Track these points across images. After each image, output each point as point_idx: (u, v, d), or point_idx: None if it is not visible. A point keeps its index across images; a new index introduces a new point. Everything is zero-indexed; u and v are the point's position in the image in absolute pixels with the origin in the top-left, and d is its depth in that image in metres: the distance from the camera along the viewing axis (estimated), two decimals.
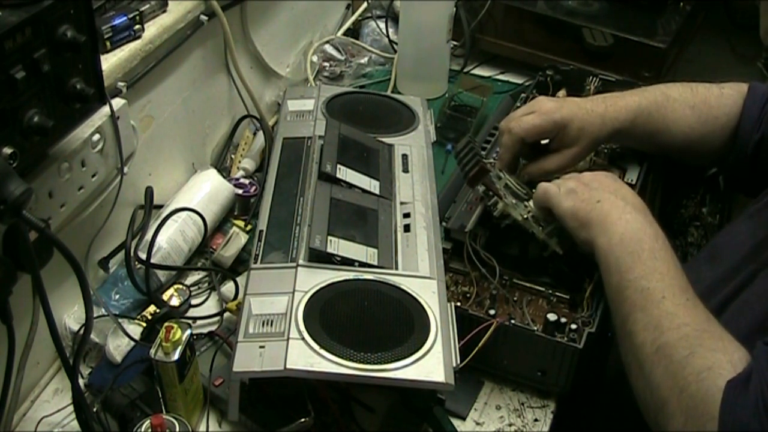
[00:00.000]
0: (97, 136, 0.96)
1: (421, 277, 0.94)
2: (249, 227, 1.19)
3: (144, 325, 1.03)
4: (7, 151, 0.74)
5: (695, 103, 1.13)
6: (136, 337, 1.01)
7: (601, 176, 0.99)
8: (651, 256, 0.87)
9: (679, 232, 1.65)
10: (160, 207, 1.15)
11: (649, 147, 1.19)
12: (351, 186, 1.05)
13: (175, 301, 1.08)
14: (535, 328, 0.96)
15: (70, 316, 1.03)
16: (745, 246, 0.96)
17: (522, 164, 1.14)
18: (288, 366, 0.81)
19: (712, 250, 1.05)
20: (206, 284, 1.14)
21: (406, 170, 1.12)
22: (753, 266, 0.92)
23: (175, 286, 1.10)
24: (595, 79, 1.33)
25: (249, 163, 1.30)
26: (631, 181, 1.20)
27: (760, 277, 0.90)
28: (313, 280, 0.91)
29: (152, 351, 0.88)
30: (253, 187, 1.26)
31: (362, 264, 0.94)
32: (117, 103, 0.99)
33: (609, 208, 0.93)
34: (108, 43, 0.99)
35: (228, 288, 1.10)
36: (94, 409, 0.92)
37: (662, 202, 1.61)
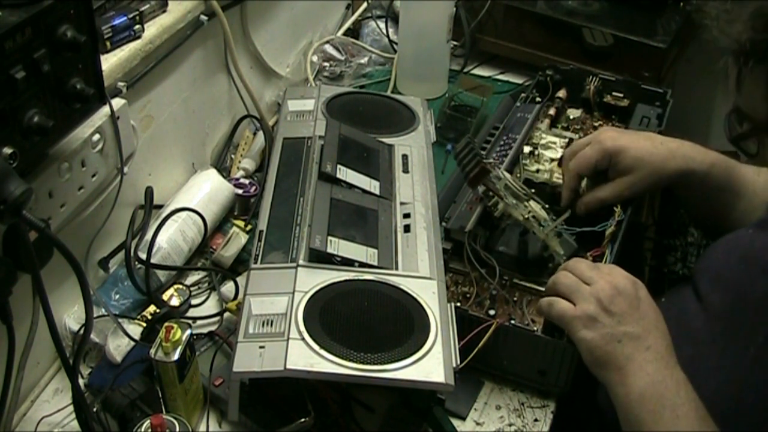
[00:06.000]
0: (97, 136, 0.96)
1: (421, 278, 0.94)
2: (249, 227, 1.19)
3: (144, 325, 1.03)
4: (7, 151, 0.75)
5: (760, 171, 1.10)
6: (136, 337, 1.01)
7: (626, 294, 0.89)
8: (673, 416, 0.82)
9: (679, 232, 1.65)
10: (160, 207, 1.15)
11: (712, 204, 1.12)
12: (351, 186, 1.05)
13: (175, 301, 1.08)
14: (535, 329, 0.96)
15: (70, 316, 1.03)
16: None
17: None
18: (288, 366, 0.81)
19: (716, 275, 0.97)
20: (206, 284, 1.14)
21: (406, 170, 1.12)
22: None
23: (175, 286, 1.10)
24: (595, 78, 1.33)
25: (249, 163, 1.30)
26: None
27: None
28: (313, 280, 0.91)
29: (152, 351, 0.88)
30: (253, 187, 1.26)
31: (362, 264, 0.94)
32: (117, 103, 0.99)
33: (630, 353, 0.86)
34: (108, 43, 0.99)
35: (228, 288, 1.10)
36: (94, 409, 0.92)
37: (662, 202, 1.61)
